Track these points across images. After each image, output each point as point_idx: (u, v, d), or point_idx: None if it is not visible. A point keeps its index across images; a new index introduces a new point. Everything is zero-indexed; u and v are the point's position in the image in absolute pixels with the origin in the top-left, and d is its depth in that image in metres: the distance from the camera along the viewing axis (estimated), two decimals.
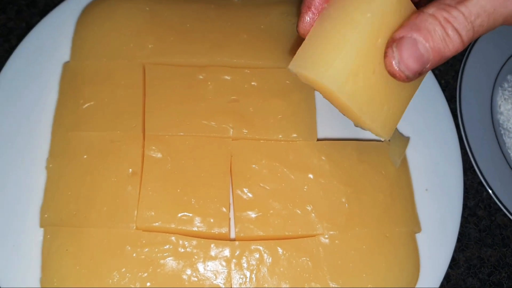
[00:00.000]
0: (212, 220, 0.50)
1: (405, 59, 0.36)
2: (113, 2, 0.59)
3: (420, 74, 0.37)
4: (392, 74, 0.37)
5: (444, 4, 0.35)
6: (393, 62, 0.37)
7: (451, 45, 0.36)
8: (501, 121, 0.64)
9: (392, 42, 0.37)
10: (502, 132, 0.64)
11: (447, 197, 0.57)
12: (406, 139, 0.57)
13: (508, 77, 0.67)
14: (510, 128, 0.63)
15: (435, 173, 0.58)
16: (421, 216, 0.55)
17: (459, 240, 0.60)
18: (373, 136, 0.58)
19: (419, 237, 0.54)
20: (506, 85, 0.66)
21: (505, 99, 0.64)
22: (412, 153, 0.58)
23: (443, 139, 0.59)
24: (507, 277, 0.59)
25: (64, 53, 0.58)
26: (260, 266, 0.49)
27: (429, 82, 0.62)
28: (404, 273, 0.51)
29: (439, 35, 0.35)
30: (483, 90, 0.65)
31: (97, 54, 0.57)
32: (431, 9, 0.36)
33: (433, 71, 0.66)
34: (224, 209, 0.51)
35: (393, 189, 0.54)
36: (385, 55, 0.37)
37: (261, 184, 0.52)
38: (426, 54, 0.36)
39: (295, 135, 0.54)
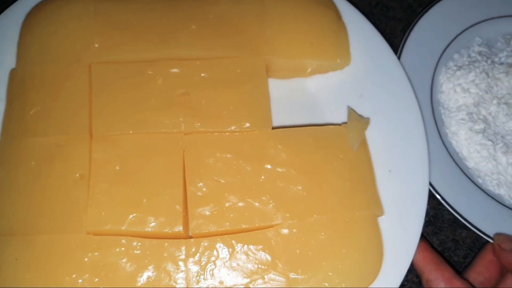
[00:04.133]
0: (164, 219, 0.49)
1: None
2: (57, 4, 0.58)
3: None
4: None
5: None
6: None
7: None
8: (442, 100, 0.62)
9: None
10: (442, 111, 0.62)
11: (412, 178, 0.55)
12: (365, 121, 0.56)
13: (455, 55, 0.65)
14: (451, 107, 0.61)
15: (398, 154, 0.56)
16: (385, 199, 0.53)
17: (432, 223, 0.58)
18: (330, 120, 0.57)
19: (383, 221, 0.52)
20: (451, 63, 0.64)
21: (447, 78, 0.62)
22: (374, 134, 0.56)
23: (406, 118, 0.57)
24: None
25: (10, 60, 0.57)
26: (217, 262, 0.48)
27: (390, 59, 0.60)
28: (366, 258, 0.49)
29: None
30: (424, 69, 0.63)
31: (43, 58, 0.55)
32: None
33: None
34: (177, 207, 0.49)
35: (352, 173, 0.52)
36: None
37: (216, 178, 0.51)
38: None
39: (248, 124, 0.53)
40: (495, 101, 0.59)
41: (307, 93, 0.60)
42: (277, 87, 0.59)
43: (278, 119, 0.57)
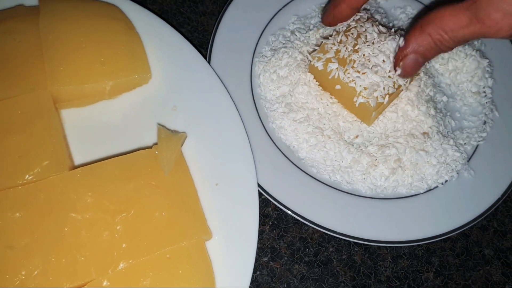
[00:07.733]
0: None
1: (408, 70, 0.49)
2: None
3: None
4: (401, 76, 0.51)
5: (440, 28, 0.44)
6: (399, 73, 0.50)
7: (442, 52, 0.47)
8: (262, 94, 0.58)
9: (399, 60, 0.49)
10: (264, 105, 0.57)
11: (241, 187, 0.50)
12: (179, 136, 0.50)
13: (271, 38, 0.61)
14: (271, 100, 0.57)
15: (223, 164, 0.51)
16: (214, 216, 0.49)
17: (276, 226, 0.55)
18: (147, 143, 0.52)
19: (214, 242, 0.48)
20: (266, 48, 0.60)
21: (263, 67, 0.58)
22: (194, 148, 0.52)
23: (225, 124, 0.53)
24: (335, 251, 0.55)
25: None
26: None
27: (197, 62, 0.55)
28: None
29: (434, 50, 0.46)
30: (241, 62, 0.58)
31: None
32: (428, 29, 0.45)
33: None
34: None
35: (171, 199, 0.47)
36: (395, 67, 0.50)
37: (10, 244, 0.43)
38: (422, 62, 0.48)
39: (38, 170, 0.46)
40: (302, 82, 0.56)
41: (115, 117, 0.53)
42: (75, 118, 0.52)
43: (81, 156, 0.51)
